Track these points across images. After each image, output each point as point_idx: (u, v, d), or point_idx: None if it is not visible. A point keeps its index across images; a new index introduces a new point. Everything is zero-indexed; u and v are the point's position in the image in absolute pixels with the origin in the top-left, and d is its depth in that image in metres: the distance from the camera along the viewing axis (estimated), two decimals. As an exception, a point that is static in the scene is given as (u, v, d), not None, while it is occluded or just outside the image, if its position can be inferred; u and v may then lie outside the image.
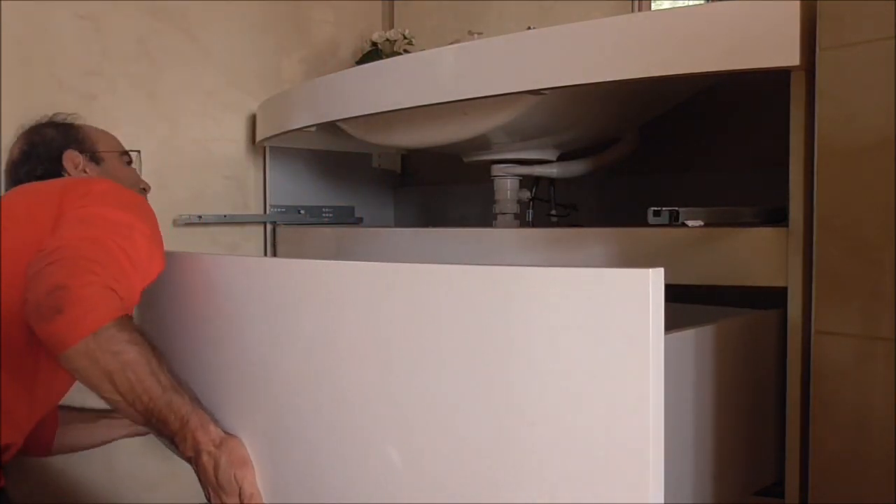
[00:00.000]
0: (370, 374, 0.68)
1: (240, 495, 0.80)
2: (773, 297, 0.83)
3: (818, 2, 0.76)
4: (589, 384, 0.55)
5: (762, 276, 0.82)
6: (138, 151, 1.21)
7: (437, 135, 1.14)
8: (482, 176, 1.29)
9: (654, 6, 1.34)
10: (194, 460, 0.81)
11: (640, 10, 1.33)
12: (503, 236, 1.07)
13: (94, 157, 1.15)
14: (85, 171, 1.12)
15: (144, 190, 1.21)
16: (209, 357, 0.87)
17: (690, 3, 1.29)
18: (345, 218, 1.69)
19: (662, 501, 0.54)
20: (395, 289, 0.67)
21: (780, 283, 0.81)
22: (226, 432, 0.81)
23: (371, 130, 1.25)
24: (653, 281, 0.53)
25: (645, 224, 0.91)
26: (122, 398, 0.78)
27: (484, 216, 1.41)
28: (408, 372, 0.65)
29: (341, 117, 1.21)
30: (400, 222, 1.79)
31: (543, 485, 0.58)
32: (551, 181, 1.27)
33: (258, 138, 1.50)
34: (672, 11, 0.89)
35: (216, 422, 0.81)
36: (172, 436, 0.80)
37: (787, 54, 0.76)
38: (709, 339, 0.79)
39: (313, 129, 1.31)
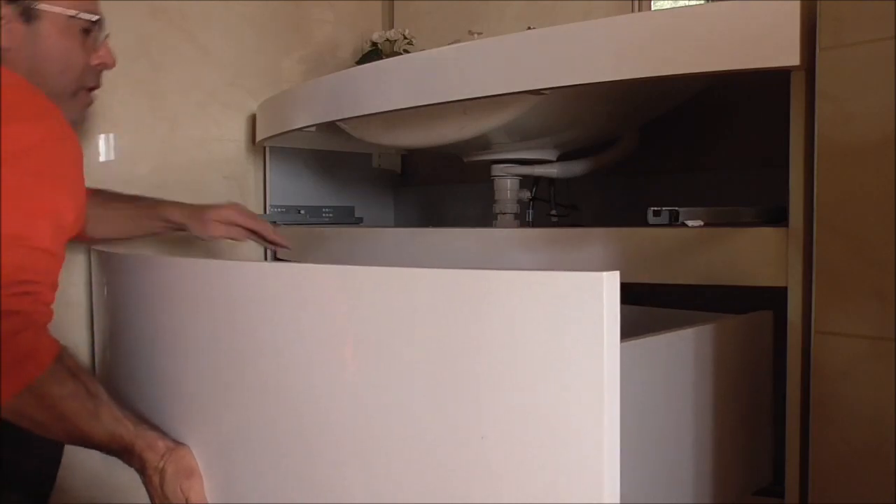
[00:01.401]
0: (323, 381, 0.67)
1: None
2: (773, 298, 0.83)
3: (818, 2, 0.76)
4: (542, 391, 0.53)
5: (762, 276, 0.82)
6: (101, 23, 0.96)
7: (437, 135, 1.14)
8: (482, 176, 1.29)
9: (654, 6, 1.34)
10: (140, 472, 0.79)
11: (640, 10, 1.33)
12: (503, 236, 1.07)
13: (27, 13, 0.87)
14: (10, 31, 0.87)
15: (102, 66, 0.98)
16: (163, 362, 0.86)
17: (690, 3, 1.29)
18: (345, 218, 1.69)
19: None
20: (348, 292, 0.65)
21: (780, 283, 0.81)
22: (175, 441, 0.79)
23: (371, 130, 1.25)
24: (607, 284, 0.50)
25: (645, 224, 0.91)
26: (54, 436, 0.75)
27: (484, 216, 1.41)
28: (361, 378, 0.64)
29: (341, 117, 1.21)
30: (400, 222, 1.79)
31: (494, 496, 0.56)
32: (551, 181, 1.27)
33: (258, 138, 1.50)
34: (672, 11, 0.88)
35: (164, 433, 0.79)
36: (115, 455, 0.78)
37: (787, 54, 0.75)
38: (707, 338, 0.79)
39: (313, 129, 1.31)
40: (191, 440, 0.80)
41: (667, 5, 1.36)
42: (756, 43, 0.77)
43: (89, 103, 1.00)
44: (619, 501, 0.51)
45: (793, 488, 0.80)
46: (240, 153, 1.54)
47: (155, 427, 0.81)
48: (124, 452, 0.78)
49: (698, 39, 0.79)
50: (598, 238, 0.93)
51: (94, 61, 0.96)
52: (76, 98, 0.97)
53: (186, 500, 0.77)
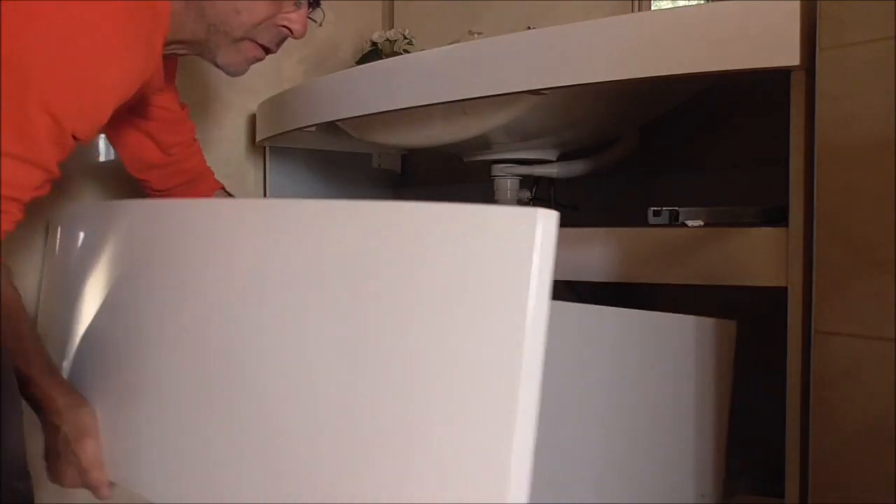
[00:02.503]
0: (226, 327, 0.60)
1: (79, 466, 0.73)
2: (773, 298, 0.83)
3: (818, 2, 0.76)
4: (459, 335, 0.46)
5: (762, 276, 0.82)
6: None
7: (437, 135, 1.14)
8: (482, 176, 1.29)
9: (654, 6, 1.34)
10: (40, 420, 0.76)
11: (640, 10, 1.33)
12: (503, 236, 1.07)
13: None
14: None
15: (285, 29, 0.90)
16: (75, 311, 0.81)
17: (690, 3, 1.29)
18: (345, 218, 1.69)
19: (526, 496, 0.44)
20: (264, 228, 0.59)
21: (780, 283, 0.81)
22: (78, 398, 0.75)
23: (371, 130, 1.25)
24: (541, 223, 0.44)
25: (645, 224, 0.91)
26: None
27: (484, 216, 1.40)
28: (268, 322, 0.57)
29: (341, 117, 1.21)
30: (400, 222, 1.78)
31: (398, 445, 0.49)
32: (551, 181, 1.27)
33: (258, 138, 1.50)
34: (672, 11, 0.88)
35: (71, 389, 0.75)
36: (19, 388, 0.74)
37: (787, 54, 0.76)
38: (642, 325, 0.77)
39: (313, 129, 1.31)
40: (94, 396, 0.76)
41: (667, 5, 1.36)
42: (756, 43, 0.77)
43: (255, 59, 0.93)
44: (529, 459, 0.44)
45: (793, 488, 0.80)
46: (240, 153, 1.53)
47: (64, 382, 0.77)
48: (22, 388, 0.73)
49: (698, 39, 0.79)
50: (598, 238, 0.93)
51: (281, 21, 0.88)
52: (238, 46, 0.90)
53: (78, 459, 0.73)
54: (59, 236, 0.86)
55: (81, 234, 0.82)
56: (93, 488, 0.75)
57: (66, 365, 0.81)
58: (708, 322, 0.84)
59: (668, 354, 0.78)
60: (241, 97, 1.52)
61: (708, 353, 0.83)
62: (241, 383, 0.60)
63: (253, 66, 1.54)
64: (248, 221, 0.60)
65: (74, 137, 0.71)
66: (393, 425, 0.49)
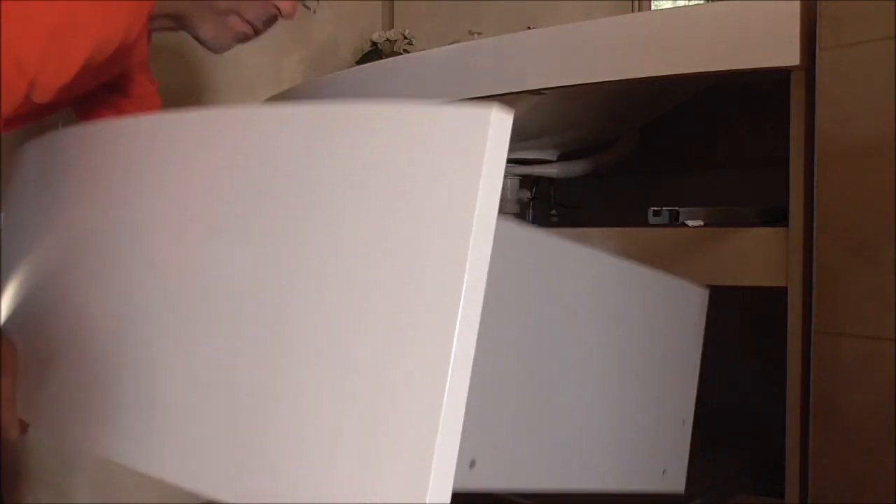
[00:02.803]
0: (164, 246, 0.56)
1: None
2: (773, 298, 0.83)
3: (818, 2, 0.76)
4: (395, 247, 0.42)
5: (762, 276, 0.82)
6: None
7: (438, 135, 1.14)
8: (482, 176, 1.28)
9: (654, 6, 1.34)
10: None
11: (640, 10, 1.33)
12: (503, 236, 1.07)
13: None
14: None
15: (273, 9, 0.91)
16: (16, 249, 0.76)
17: (690, 3, 1.29)
18: (345, 218, 1.69)
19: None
20: (203, 137, 0.56)
21: (780, 283, 0.81)
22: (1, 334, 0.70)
23: (371, 130, 1.25)
24: (494, 122, 0.41)
25: (645, 224, 0.91)
26: None
27: (484, 216, 1.40)
28: (205, 231, 0.53)
29: (341, 117, 1.20)
30: (400, 222, 1.78)
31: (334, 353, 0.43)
32: (551, 181, 1.27)
33: (258, 138, 1.49)
34: (672, 11, 0.89)
35: None
36: None
37: (787, 54, 0.76)
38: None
39: (313, 129, 1.31)
40: (22, 335, 0.72)
41: (667, 5, 1.36)
42: (756, 43, 0.77)
43: (240, 35, 0.92)
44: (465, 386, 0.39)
45: (793, 488, 0.80)
46: (240, 153, 1.53)
47: None
48: None
49: (698, 39, 0.79)
50: (598, 238, 0.93)
51: None
52: (223, 20, 0.89)
53: None
54: (11, 178, 0.83)
55: (26, 171, 0.78)
56: (2, 427, 0.70)
57: (5, 305, 0.77)
58: (680, 283, 0.82)
59: (640, 306, 0.75)
60: (242, 97, 1.52)
61: (679, 312, 0.81)
62: (176, 316, 0.54)
63: (252, 66, 1.54)
64: (171, 135, 0.57)
65: (31, 86, 0.68)
66: (324, 340, 0.45)
